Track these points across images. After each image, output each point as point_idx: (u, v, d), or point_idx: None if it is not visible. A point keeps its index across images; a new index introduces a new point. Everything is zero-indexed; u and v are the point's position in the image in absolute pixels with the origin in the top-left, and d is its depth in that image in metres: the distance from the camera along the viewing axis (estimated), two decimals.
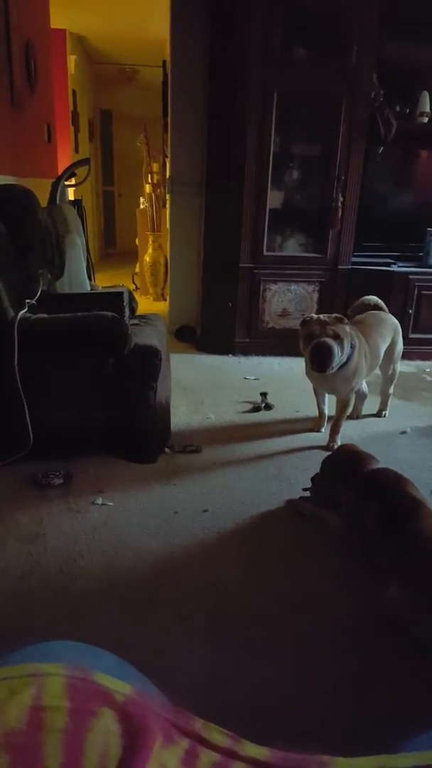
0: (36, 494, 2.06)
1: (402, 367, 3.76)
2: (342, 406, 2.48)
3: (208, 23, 3.70)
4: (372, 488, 1.69)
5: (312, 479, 1.98)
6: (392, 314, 2.78)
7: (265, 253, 3.75)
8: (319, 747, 0.48)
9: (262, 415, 2.86)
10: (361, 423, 2.81)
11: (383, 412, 2.88)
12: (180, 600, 1.55)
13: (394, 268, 3.82)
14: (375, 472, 1.77)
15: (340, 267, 3.83)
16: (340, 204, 3.67)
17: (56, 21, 4.76)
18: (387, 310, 2.78)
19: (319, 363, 2.23)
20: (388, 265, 3.85)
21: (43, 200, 2.80)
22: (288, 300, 3.87)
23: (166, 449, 2.42)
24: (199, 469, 2.30)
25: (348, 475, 1.78)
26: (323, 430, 2.62)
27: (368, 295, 2.81)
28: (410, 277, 3.78)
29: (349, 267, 3.84)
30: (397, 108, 3.59)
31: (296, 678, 1.30)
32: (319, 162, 3.78)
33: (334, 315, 2.28)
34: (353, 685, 1.28)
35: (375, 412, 2.89)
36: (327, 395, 2.61)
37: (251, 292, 3.82)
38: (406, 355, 3.88)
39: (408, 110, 3.66)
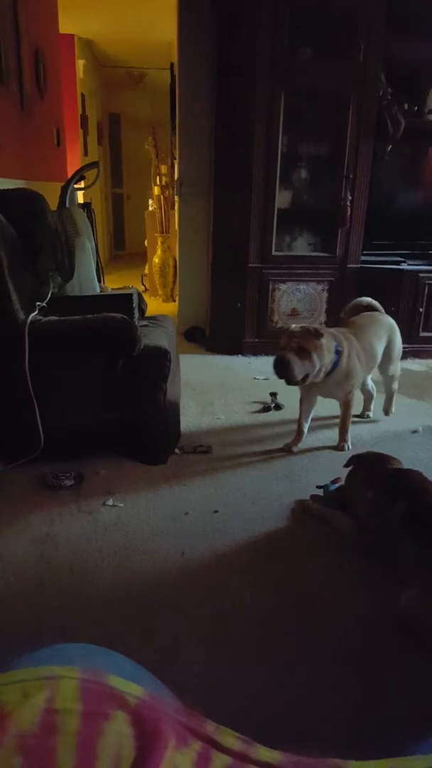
0: (47, 495, 2.07)
1: (413, 365, 3.76)
2: (344, 407, 2.47)
3: (215, 25, 3.70)
4: (397, 487, 1.67)
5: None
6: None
7: (273, 252, 3.75)
8: (330, 750, 0.48)
9: (272, 416, 2.85)
10: (371, 422, 2.80)
11: (389, 410, 2.85)
12: (191, 602, 1.55)
13: (404, 266, 3.80)
14: (400, 471, 1.75)
15: (349, 266, 3.81)
16: (348, 203, 3.66)
17: (65, 26, 4.79)
18: (382, 310, 2.74)
19: (278, 375, 2.22)
20: (397, 263, 3.83)
21: (53, 203, 2.81)
22: (297, 300, 3.86)
23: (176, 450, 2.42)
24: (209, 470, 2.30)
25: (372, 473, 1.77)
26: (296, 449, 2.46)
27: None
28: (420, 275, 3.76)
29: (359, 266, 3.82)
30: (405, 106, 3.57)
31: (307, 681, 1.29)
32: (328, 161, 3.77)
33: (307, 327, 2.24)
34: (364, 688, 1.28)
35: (381, 410, 2.86)
36: (311, 412, 2.51)
37: (260, 292, 3.81)
38: (417, 354, 3.89)
39: (416, 108, 3.64)
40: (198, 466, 2.32)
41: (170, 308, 5.09)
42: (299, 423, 2.49)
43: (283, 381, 2.24)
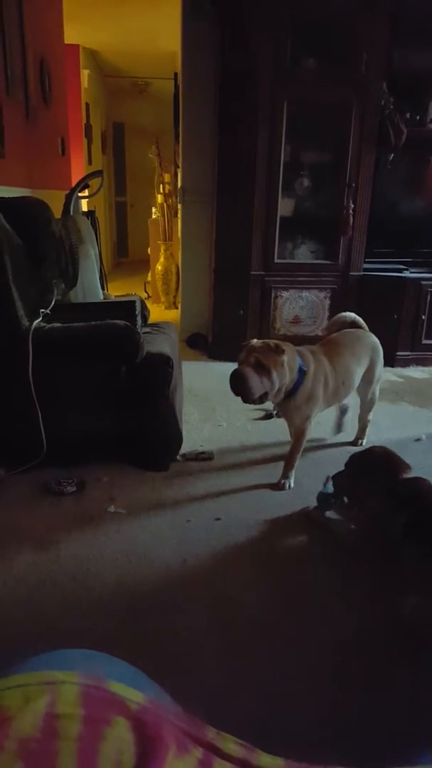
0: (49, 501, 2.07)
1: (415, 373, 3.76)
2: (296, 437, 2.22)
3: (219, 35, 3.73)
4: (403, 496, 1.66)
5: (333, 477, 1.94)
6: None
7: (276, 260, 3.76)
8: (332, 757, 0.48)
9: (274, 423, 2.85)
10: (373, 429, 2.78)
11: (360, 441, 2.58)
12: (193, 609, 1.54)
13: (406, 274, 3.81)
14: (409, 480, 1.73)
15: (351, 273, 3.82)
16: (351, 211, 3.67)
17: (70, 37, 4.85)
18: (366, 327, 2.51)
19: (234, 392, 2.04)
20: (400, 271, 3.84)
21: (58, 212, 2.83)
22: (300, 307, 3.87)
23: (179, 457, 2.42)
24: (211, 477, 2.29)
25: (379, 480, 1.75)
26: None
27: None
28: (422, 282, 3.76)
29: (361, 273, 3.83)
30: (407, 115, 3.59)
31: (308, 688, 1.29)
32: (330, 169, 3.79)
33: (269, 342, 2.05)
34: (365, 696, 1.27)
35: (351, 441, 2.60)
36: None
37: (262, 300, 3.82)
38: (419, 361, 3.89)
39: (418, 117, 3.65)
40: (200, 473, 2.32)
41: (173, 315, 5.11)
42: None
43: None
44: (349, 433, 2.66)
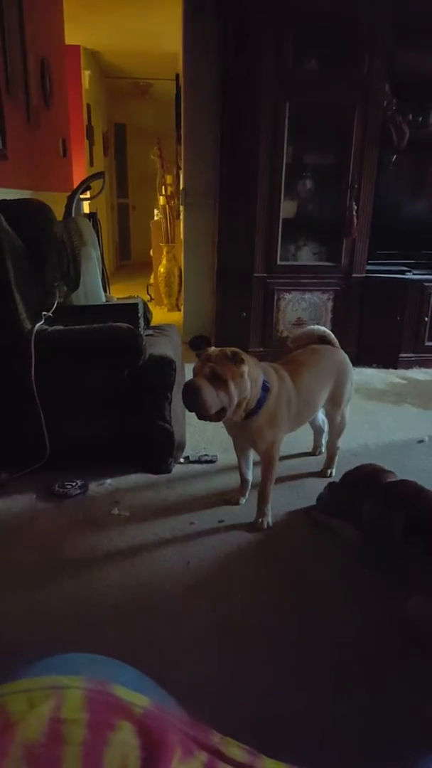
0: (53, 505, 2.07)
1: (418, 375, 3.76)
2: (265, 465, 1.98)
3: (221, 36, 3.74)
4: (394, 498, 1.68)
5: (328, 487, 1.98)
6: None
7: (278, 262, 3.76)
8: (336, 762, 0.48)
9: None
10: (376, 432, 2.79)
11: (329, 471, 2.31)
12: (197, 611, 1.54)
13: (409, 275, 3.81)
14: (394, 482, 1.75)
15: (354, 275, 3.82)
16: (354, 212, 3.67)
17: (70, 37, 4.85)
18: (336, 343, 2.26)
19: (187, 407, 1.78)
20: (402, 273, 3.84)
21: (59, 214, 2.83)
22: (302, 309, 3.87)
23: (182, 459, 2.42)
24: (214, 479, 2.29)
25: (367, 485, 1.77)
26: (243, 501, 2.11)
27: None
28: (425, 284, 3.76)
29: (364, 275, 3.83)
30: (410, 116, 3.59)
31: (312, 691, 1.28)
32: (333, 171, 3.79)
33: (227, 350, 1.77)
34: (370, 699, 1.27)
35: (319, 470, 2.35)
36: (250, 457, 2.13)
37: (265, 302, 3.82)
38: (422, 363, 3.88)
39: (421, 118, 3.65)
40: (203, 476, 2.32)
41: (175, 317, 5.11)
42: (239, 470, 2.14)
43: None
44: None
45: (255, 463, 2.13)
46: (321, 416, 2.36)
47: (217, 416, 1.78)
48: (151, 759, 0.42)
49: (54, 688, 0.46)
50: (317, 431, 2.48)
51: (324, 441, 2.45)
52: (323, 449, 2.45)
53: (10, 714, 0.42)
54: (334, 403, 2.21)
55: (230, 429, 2.02)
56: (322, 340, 2.25)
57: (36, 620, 1.50)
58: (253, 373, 1.81)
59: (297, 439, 2.47)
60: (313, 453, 2.49)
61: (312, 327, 2.33)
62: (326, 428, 2.39)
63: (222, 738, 0.50)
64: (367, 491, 1.76)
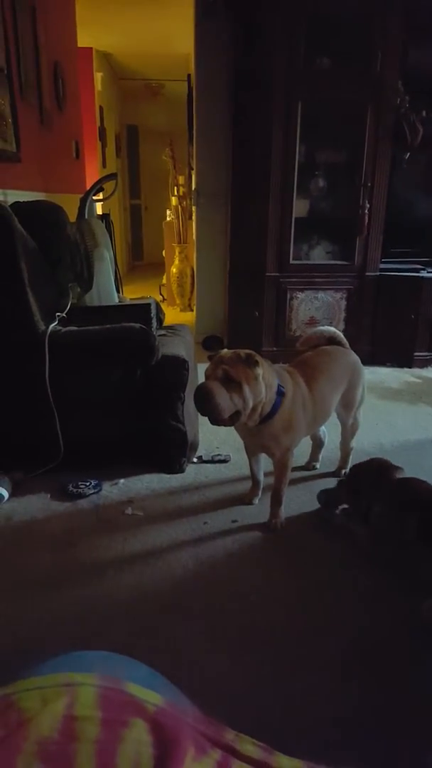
0: (67, 505, 2.09)
1: None
2: (279, 469, 1.95)
3: (232, 36, 3.74)
4: (407, 499, 1.66)
5: (339, 483, 1.98)
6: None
7: (291, 261, 3.75)
8: (348, 760, 0.47)
9: None
10: (391, 431, 2.77)
11: (343, 471, 2.29)
12: (210, 611, 1.54)
13: (424, 273, 3.77)
14: (404, 481, 1.74)
15: (368, 274, 3.79)
16: (367, 211, 3.65)
17: (83, 40, 4.88)
18: (347, 344, 2.22)
19: (200, 411, 1.73)
20: (417, 270, 3.81)
21: (72, 215, 2.85)
22: (315, 308, 3.85)
23: (195, 459, 2.42)
24: (227, 479, 2.29)
25: (375, 482, 1.76)
26: (256, 501, 2.10)
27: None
28: None
29: (377, 274, 3.80)
30: (423, 113, 3.55)
31: (327, 691, 1.28)
32: (345, 169, 3.77)
33: (241, 352, 1.73)
34: (383, 697, 1.26)
35: (334, 470, 2.34)
36: (260, 460, 2.10)
37: (278, 301, 3.81)
38: None
39: None
40: (216, 476, 2.32)
41: (188, 317, 5.12)
42: (251, 471, 2.11)
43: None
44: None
45: (268, 473, 2.10)
46: (323, 428, 2.31)
47: (231, 420, 1.73)
48: (164, 756, 0.42)
49: (67, 686, 0.46)
50: (317, 444, 2.38)
51: (321, 456, 2.39)
52: (318, 465, 2.38)
53: (24, 711, 0.43)
54: (347, 406, 2.17)
55: (244, 435, 1.98)
56: (332, 341, 2.20)
57: (50, 619, 1.51)
58: (267, 377, 1.76)
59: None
60: (307, 468, 2.37)
61: (321, 328, 2.27)
62: (326, 441, 2.37)
63: (236, 735, 0.50)
64: (375, 490, 1.74)
